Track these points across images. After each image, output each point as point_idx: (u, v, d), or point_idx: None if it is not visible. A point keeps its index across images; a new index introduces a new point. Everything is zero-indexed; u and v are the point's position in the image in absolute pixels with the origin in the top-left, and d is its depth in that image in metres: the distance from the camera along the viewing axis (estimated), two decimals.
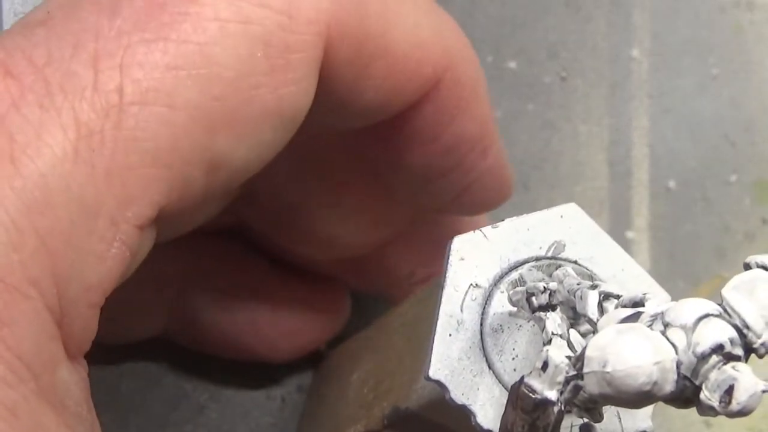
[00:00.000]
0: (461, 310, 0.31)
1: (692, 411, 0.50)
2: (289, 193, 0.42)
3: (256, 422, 0.52)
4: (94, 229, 0.27)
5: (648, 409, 0.31)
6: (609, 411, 0.30)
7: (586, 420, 0.30)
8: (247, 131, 0.30)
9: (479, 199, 0.41)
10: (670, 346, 0.23)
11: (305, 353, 0.50)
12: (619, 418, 0.31)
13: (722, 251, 0.57)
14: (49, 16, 0.29)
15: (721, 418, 0.53)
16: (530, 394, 0.25)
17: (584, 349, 0.24)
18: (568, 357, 0.25)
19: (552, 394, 0.24)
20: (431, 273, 0.46)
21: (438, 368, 0.30)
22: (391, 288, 0.49)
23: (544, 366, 0.25)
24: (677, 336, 0.24)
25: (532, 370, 0.25)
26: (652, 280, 0.33)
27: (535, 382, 0.25)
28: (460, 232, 0.34)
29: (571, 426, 0.29)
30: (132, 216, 0.28)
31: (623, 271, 0.33)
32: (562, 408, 0.24)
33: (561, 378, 0.24)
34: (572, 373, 0.24)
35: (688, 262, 0.57)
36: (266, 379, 0.52)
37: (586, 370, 0.23)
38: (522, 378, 0.25)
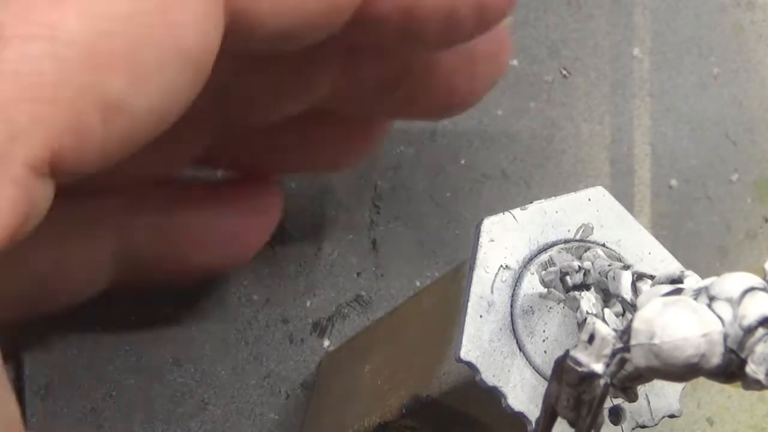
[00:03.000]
0: (492, 292, 0.31)
1: (694, 409, 0.50)
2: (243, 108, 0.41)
3: (260, 418, 0.52)
4: None
5: (676, 392, 0.31)
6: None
7: (615, 403, 0.30)
8: (144, 73, 0.28)
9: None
10: (717, 318, 0.23)
11: (247, 257, 0.49)
12: (648, 401, 0.31)
13: (724, 250, 0.57)
14: None
15: (725, 416, 0.54)
16: (576, 367, 0.25)
17: (631, 321, 0.24)
18: (615, 330, 0.25)
19: (598, 367, 0.24)
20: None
21: (469, 349, 0.30)
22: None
23: (591, 339, 0.25)
24: (723, 309, 0.24)
25: (578, 343, 0.25)
26: (679, 263, 0.33)
27: (581, 355, 0.25)
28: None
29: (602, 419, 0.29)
30: (22, 153, 0.26)
31: (650, 254, 0.33)
32: (608, 381, 0.24)
33: (608, 350, 0.24)
34: (619, 345, 0.24)
35: (690, 261, 0.56)
36: (270, 374, 0.52)
37: (633, 342, 0.23)
38: (567, 351, 0.25)
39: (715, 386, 0.53)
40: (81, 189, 0.38)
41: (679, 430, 0.52)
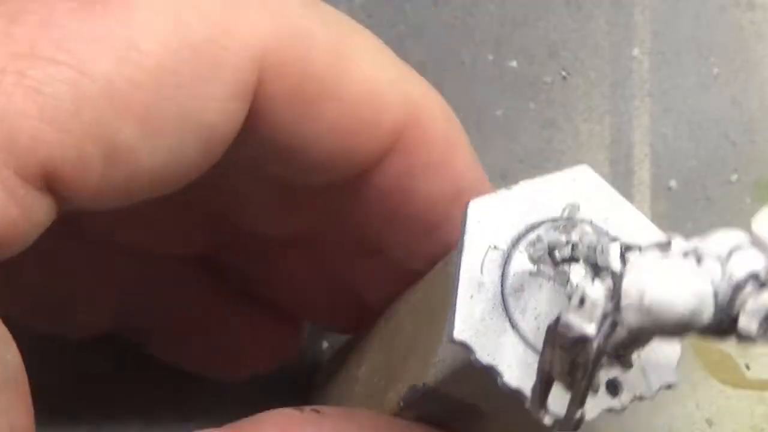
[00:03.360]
0: (481, 272, 0.31)
1: (693, 410, 0.50)
2: (256, 232, 0.42)
3: None
4: None
5: (673, 363, 0.31)
6: (634, 365, 0.30)
7: (611, 377, 0.30)
8: (157, 130, 0.29)
9: None
10: (707, 275, 0.23)
11: (252, 374, 0.50)
12: (644, 373, 0.31)
13: None
14: None
15: (724, 417, 0.53)
16: (568, 331, 0.24)
17: (620, 282, 0.24)
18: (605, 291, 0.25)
19: (590, 329, 0.24)
20: None
21: (462, 329, 0.30)
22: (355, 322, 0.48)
23: (581, 302, 0.24)
24: (712, 266, 0.23)
25: (569, 307, 0.25)
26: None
27: (572, 318, 0.25)
28: None
29: (598, 383, 0.29)
30: (14, 162, 0.26)
31: (639, 231, 0.33)
32: (601, 343, 0.24)
33: (599, 312, 0.24)
34: (609, 306, 0.24)
35: None
36: (270, 377, 0.51)
37: (623, 302, 0.23)
38: (559, 316, 0.25)
39: (715, 387, 0.52)
40: (91, 233, 0.40)
41: (678, 430, 0.52)
